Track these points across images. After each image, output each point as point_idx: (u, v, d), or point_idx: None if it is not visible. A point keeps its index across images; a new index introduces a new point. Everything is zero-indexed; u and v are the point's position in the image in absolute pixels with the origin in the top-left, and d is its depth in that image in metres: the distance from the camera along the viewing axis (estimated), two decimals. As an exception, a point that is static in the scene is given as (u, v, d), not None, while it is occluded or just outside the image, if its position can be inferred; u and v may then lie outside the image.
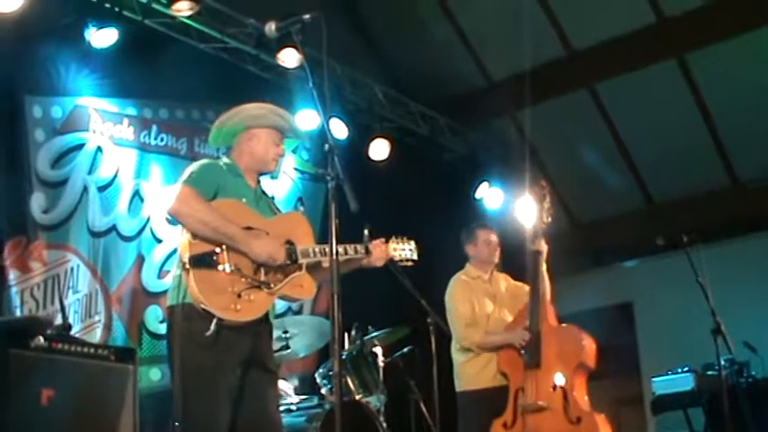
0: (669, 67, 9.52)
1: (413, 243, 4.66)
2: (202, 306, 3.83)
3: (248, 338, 4.03)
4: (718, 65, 9.33)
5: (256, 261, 3.95)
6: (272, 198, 4.53)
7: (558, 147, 10.80)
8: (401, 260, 4.60)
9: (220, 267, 3.88)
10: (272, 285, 4.00)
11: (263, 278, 3.98)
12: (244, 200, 4.13)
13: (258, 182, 4.34)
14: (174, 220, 4.05)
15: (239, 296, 3.87)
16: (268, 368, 4.20)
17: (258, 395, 4.09)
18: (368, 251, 4.35)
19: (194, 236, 3.90)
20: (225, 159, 4.31)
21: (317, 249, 4.13)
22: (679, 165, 10.19)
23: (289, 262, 4.05)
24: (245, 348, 4.02)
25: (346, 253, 4.23)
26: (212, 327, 3.80)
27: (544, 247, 5.90)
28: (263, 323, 4.14)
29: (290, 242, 4.09)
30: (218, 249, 3.88)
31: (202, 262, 3.86)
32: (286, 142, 4.41)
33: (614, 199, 10.95)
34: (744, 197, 10.30)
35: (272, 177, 4.56)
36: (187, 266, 3.85)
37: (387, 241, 4.51)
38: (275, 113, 4.30)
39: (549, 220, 6.01)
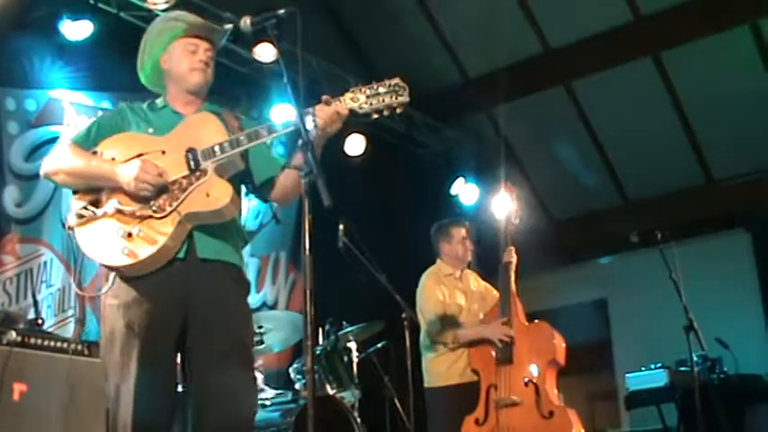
0: (645, 65, 9.57)
1: (396, 81, 3.62)
2: (99, 262, 3.36)
3: (174, 289, 3.33)
4: (693, 63, 9.39)
5: (129, 190, 3.32)
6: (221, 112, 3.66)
7: (534, 144, 10.83)
8: (374, 111, 3.55)
9: (99, 212, 3.34)
10: (161, 209, 3.32)
11: (152, 204, 3.32)
12: (151, 130, 3.52)
13: (202, 103, 3.69)
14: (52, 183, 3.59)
15: (129, 235, 3.28)
16: (216, 329, 3.35)
17: (201, 369, 3.35)
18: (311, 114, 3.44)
19: (75, 192, 3.44)
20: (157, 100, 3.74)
21: (225, 144, 3.39)
22: (654, 162, 10.25)
23: (188, 172, 3.37)
24: (171, 305, 3.32)
25: (272, 132, 3.43)
26: (110, 281, 3.34)
27: (513, 258, 5.93)
28: (194, 264, 3.37)
29: (190, 149, 3.40)
30: (100, 196, 3.38)
31: (84, 215, 3.36)
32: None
33: (590, 196, 11.00)
34: (718, 195, 10.38)
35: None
36: (71, 227, 3.37)
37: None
38: (171, 20, 3.69)
39: (518, 221, 6.04)
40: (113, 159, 3.40)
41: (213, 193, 3.35)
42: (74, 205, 3.40)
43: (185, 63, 3.61)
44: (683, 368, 7.66)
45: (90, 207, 3.35)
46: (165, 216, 3.30)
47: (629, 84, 9.65)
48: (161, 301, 3.31)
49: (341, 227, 5.74)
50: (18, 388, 4.54)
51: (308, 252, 2.94)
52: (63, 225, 6.78)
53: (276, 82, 7.68)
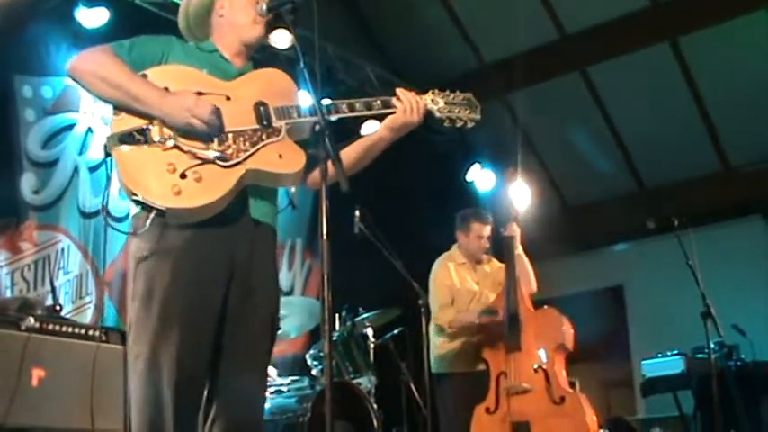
0: (661, 51, 9.52)
1: (469, 96, 3.57)
2: (134, 196, 2.93)
3: (222, 247, 3.03)
4: (710, 49, 9.33)
5: (172, 124, 2.97)
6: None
7: (550, 130, 10.80)
8: (449, 118, 3.52)
9: (154, 141, 2.96)
10: (230, 157, 3.01)
11: (215, 148, 3.01)
12: (205, 70, 3.20)
13: (249, 61, 3.43)
14: (73, 81, 3.10)
15: (183, 176, 2.92)
16: (259, 302, 3.12)
17: (235, 350, 3.06)
18: (388, 106, 3.43)
19: (118, 110, 3.01)
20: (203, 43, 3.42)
21: (302, 109, 3.21)
22: (670, 148, 10.22)
23: (258, 126, 3.12)
24: (218, 263, 3.02)
25: (353, 110, 3.40)
26: (148, 222, 2.92)
27: (516, 232, 5.93)
28: (245, 223, 3.10)
29: (261, 103, 3.18)
30: (149, 125, 2.98)
31: (130, 140, 2.95)
32: None
33: (605, 182, 10.98)
34: (734, 181, 10.34)
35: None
36: (109, 147, 2.96)
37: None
38: None
39: (521, 206, 6.03)
40: (167, 89, 3.04)
41: (286, 156, 3.13)
42: (114, 125, 3.00)
43: (249, 14, 3.34)
44: (699, 355, 7.64)
45: (137, 134, 2.96)
46: (229, 166, 3.01)
47: (645, 70, 9.60)
48: (211, 258, 3.01)
49: (357, 213, 5.75)
50: (37, 373, 4.57)
51: (325, 237, 2.93)
52: (80, 212, 6.82)
53: (292, 68, 7.67)
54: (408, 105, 3.40)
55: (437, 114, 3.49)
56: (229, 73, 3.27)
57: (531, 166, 10.42)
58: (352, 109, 3.38)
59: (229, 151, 3.02)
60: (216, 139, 3.02)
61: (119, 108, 3.01)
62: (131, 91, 2.97)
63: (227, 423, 3.03)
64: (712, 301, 5.94)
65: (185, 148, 2.97)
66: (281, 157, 3.12)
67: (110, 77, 2.98)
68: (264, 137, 3.11)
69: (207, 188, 2.94)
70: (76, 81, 3.07)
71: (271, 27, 3.36)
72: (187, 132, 2.98)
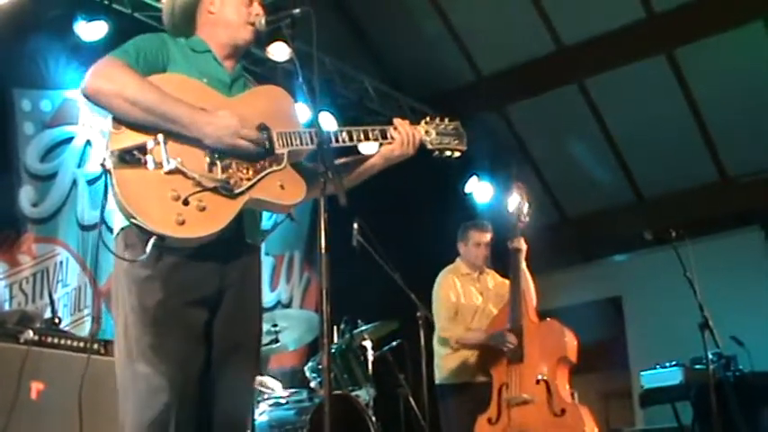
0: (658, 63, 9.55)
1: (457, 125, 3.56)
2: (133, 220, 2.78)
3: (214, 270, 2.98)
4: (707, 60, 9.36)
5: (216, 146, 2.91)
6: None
7: (548, 142, 10.82)
8: (439, 149, 3.49)
9: (156, 163, 2.84)
10: (233, 186, 2.92)
11: (219, 176, 2.91)
12: (205, 80, 3.09)
13: (237, 62, 3.32)
14: (93, 103, 2.92)
15: (185, 203, 2.82)
16: (247, 321, 3.12)
17: (223, 366, 3.02)
18: (385, 136, 3.39)
19: (118, 123, 2.86)
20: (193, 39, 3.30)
21: (304, 135, 3.12)
22: (668, 159, 10.23)
23: (260, 150, 3.03)
24: (208, 286, 2.97)
25: (351, 139, 3.33)
26: (148, 248, 2.78)
27: (523, 246, 5.95)
28: (238, 246, 3.06)
29: (263, 127, 3.06)
30: (150, 142, 2.85)
31: (130, 159, 2.82)
32: None
33: (603, 194, 10.99)
34: (732, 192, 10.36)
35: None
36: (108, 165, 2.79)
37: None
38: None
39: (527, 219, 6.05)
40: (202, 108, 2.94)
41: (288, 187, 3.06)
42: (114, 141, 2.83)
43: (242, 14, 3.25)
44: (697, 366, 7.64)
45: (137, 153, 2.83)
46: (233, 197, 2.92)
47: (642, 81, 9.63)
48: (205, 279, 2.96)
49: (355, 225, 5.75)
50: (35, 386, 4.56)
51: (323, 250, 2.93)
52: (78, 224, 6.82)
53: (290, 81, 7.69)
54: (406, 138, 3.37)
55: (429, 146, 3.46)
56: (225, 81, 3.18)
57: (528, 178, 10.43)
58: (351, 138, 3.33)
59: (232, 180, 2.92)
60: (219, 165, 2.92)
61: (123, 124, 2.86)
62: (166, 114, 2.86)
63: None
64: (711, 313, 5.94)
65: (188, 174, 2.86)
66: (282, 187, 3.05)
67: (140, 100, 2.84)
68: (267, 165, 3.03)
69: (210, 218, 2.86)
70: (97, 103, 2.89)
71: (269, 40, 3.34)
72: (230, 152, 2.92)
